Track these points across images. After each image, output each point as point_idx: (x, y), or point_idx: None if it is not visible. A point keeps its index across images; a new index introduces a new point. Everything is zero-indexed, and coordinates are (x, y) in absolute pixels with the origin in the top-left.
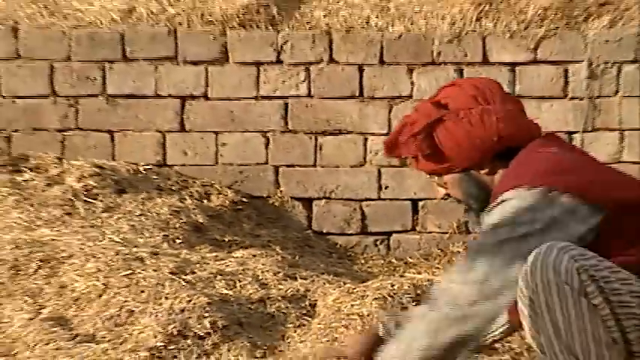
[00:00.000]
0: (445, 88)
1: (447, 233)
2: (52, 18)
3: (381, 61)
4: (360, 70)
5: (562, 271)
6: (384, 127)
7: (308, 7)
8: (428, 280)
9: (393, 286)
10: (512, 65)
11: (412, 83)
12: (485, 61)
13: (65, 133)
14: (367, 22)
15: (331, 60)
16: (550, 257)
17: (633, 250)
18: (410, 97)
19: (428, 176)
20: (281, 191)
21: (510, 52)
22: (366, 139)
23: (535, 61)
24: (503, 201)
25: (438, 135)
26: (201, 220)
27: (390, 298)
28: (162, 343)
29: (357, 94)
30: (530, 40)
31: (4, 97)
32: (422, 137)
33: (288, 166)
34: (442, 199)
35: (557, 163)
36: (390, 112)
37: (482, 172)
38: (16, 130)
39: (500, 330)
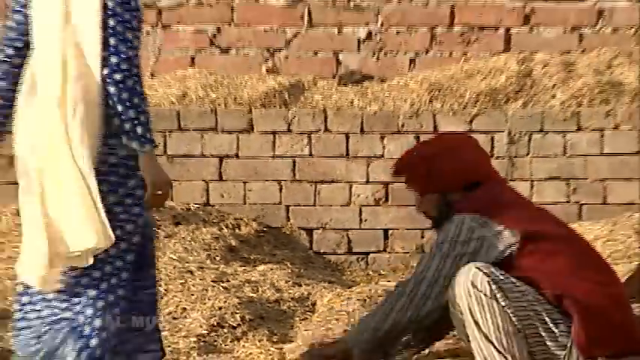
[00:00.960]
0: (429, 142)
1: (408, 253)
2: None
3: (362, 131)
4: (347, 137)
5: (478, 284)
6: (364, 178)
7: (310, 93)
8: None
9: (370, 290)
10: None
11: (384, 147)
12: (435, 131)
13: None
14: (352, 103)
15: (326, 130)
16: (469, 274)
17: (541, 268)
18: (382, 156)
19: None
20: (291, 223)
21: (453, 124)
22: (351, 187)
23: (470, 131)
24: (456, 220)
25: (443, 162)
26: (234, 244)
27: (368, 300)
28: (205, 331)
29: (345, 155)
30: (467, 116)
31: None
32: (423, 163)
33: (295, 205)
34: (424, 212)
35: (497, 201)
36: (368, 167)
37: (456, 194)
38: None
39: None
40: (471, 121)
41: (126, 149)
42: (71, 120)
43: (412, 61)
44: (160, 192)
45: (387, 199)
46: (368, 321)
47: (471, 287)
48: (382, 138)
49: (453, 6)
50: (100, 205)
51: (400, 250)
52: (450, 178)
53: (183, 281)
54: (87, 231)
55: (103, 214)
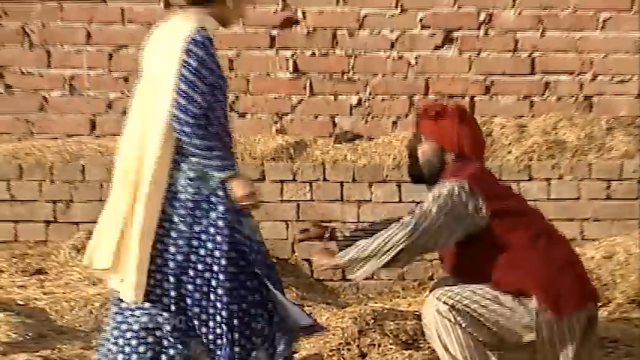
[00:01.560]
0: (459, 106)
1: (391, 280)
2: None
3: (354, 180)
4: (342, 186)
5: (442, 312)
6: (355, 218)
7: (311, 149)
8: (380, 308)
9: (360, 310)
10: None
11: (371, 193)
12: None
13: None
14: (345, 158)
15: (325, 179)
16: (433, 304)
17: (504, 238)
18: (370, 201)
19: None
20: (295, 255)
21: None
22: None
23: None
24: (445, 183)
25: (458, 124)
26: None
27: (358, 318)
28: None
29: (340, 199)
30: None
31: None
32: (455, 115)
33: (300, 241)
34: (410, 150)
35: (479, 174)
36: (359, 209)
37: (450, 155)
38: None
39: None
40: None
41: (207, 185)
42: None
43: (394, 123)
44: (247, 203)
45: None
46: (364, 244)
47: (436, 315)
48: (370, 186)
49: (428, 78)
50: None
51: (385, 277)
52: (462, 141)
53: None
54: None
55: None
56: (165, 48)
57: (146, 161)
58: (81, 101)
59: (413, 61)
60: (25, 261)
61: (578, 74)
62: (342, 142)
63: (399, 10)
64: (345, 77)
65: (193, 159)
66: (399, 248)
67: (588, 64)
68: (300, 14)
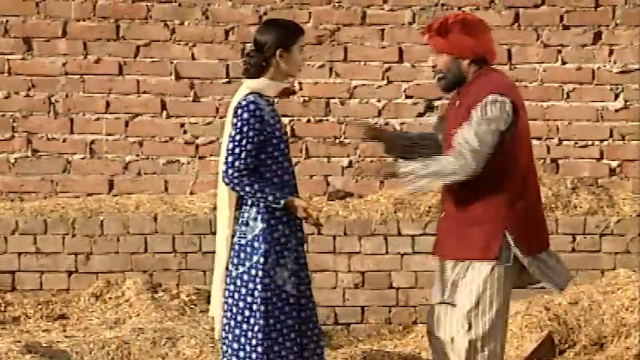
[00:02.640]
0: (464, 14)
1: (379, 323)
2: (174, 211)
3: (345, 234)
4: (334, 239)
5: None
6: (347, 268)
7: None
8: (369, 349)
9: (351, 352)
10: (413, 236)
11: (361, 246)
12: (399, 234)
13: (181, 271)
14: (337, 213)
15: (319, 233)
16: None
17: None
18: (360, 252)
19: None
20: None
21: (412, 229)
22: (337, 274)
23: (424, 234)
24: (492, 100)
25: (462, 31)
26: None
27: (349, 358)
28: None
29: (333, 251)
30: (422, 223)
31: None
32: (458, 26)
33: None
34: (433, 67)
35: (510, 84)
36: (349, 260)
37: (465, 62)
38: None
39: None
40: (425, 226)
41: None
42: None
43: (381, 182)
44: (311, 217)
45: (363, 284)
46: (424, 163)
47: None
48: (360, 239)
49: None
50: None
51: (373, 321)
52: (471, 47)
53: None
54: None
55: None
56: (228, 115)
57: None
58: (100, 163)
59: (398, 127)
60: (49, 307)
61: (546, 139)
62: (334, 199)
63: (385, 81)
64: (337, 141)
65: (245, 206)
66: (454, 177)
67: (555, 130)
68: (296, 85)
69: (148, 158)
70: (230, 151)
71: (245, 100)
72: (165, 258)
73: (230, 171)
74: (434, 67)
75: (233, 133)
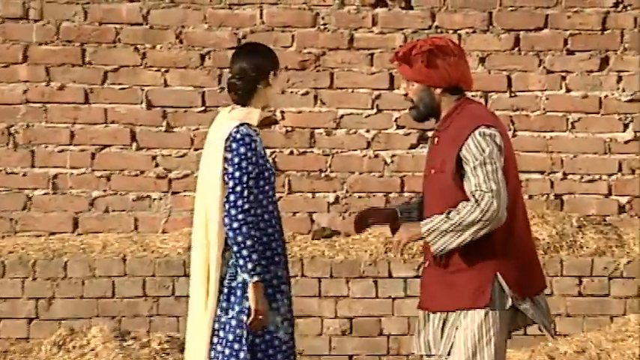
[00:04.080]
0: (435, 39)
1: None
2: (145, 252)
3: (331, 276)
4: (319, 281)
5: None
6: (333, 314)
7: (289, 245)
8: None
9: None
10: (405, 278)
11: (348, 289)
12: (390, 276)
13: (152, 317)
14: (323, 254)
15: (303, 275)
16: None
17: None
18: (347, 296)
19: (402, 82)
20: None
21: (404, 271)
22: (322, 321)
23: (416, 277)
24: (481, 133)
25: (429, 59)
26: None
27: None
28: None
29: (318, 295)
30: (415, 264)
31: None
32: (424, 55)
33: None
34: (404, 95)
35: (492, 114)
36: (336, 305)
37: (437, 91)
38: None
39: None
40: (418, 268)
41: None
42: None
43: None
44: (260, 317)
45: (351, 331)
46: (442, 218)
47: None
48: (347, 282)
49: (404, 177)
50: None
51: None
52: (442, 76)
53: None
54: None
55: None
56: (212, 147)
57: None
58: (64, 200)
59: (389, 160)
60: (7, 358)
61: (549, 173)
62: (319, 238)
63: (375, 110)
64: (323, 175)
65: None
66: (478, 226)
67: (559, 163)
68: (278, 114)
69: (116, 194)
70: (231, 190)
71: (239, 132)
72: (134, 303)
73: (233, 212)
74: (405, 95)
75: (231, 170)
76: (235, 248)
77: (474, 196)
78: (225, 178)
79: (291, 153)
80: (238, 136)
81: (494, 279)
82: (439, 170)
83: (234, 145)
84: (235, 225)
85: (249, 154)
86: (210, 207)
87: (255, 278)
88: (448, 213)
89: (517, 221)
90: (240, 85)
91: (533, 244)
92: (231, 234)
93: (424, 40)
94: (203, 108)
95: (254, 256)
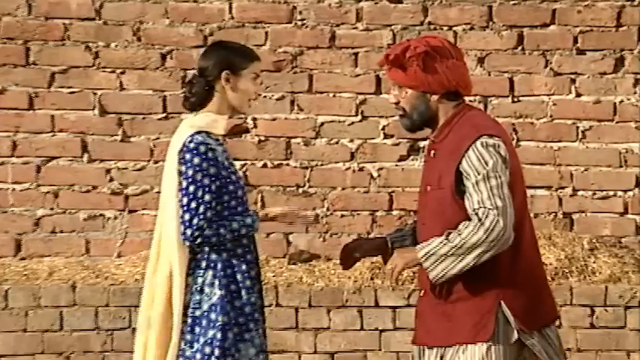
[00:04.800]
0: (429, 38)
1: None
2: (97, 279)
3: (310, 305)
4: (296, 311)
5: None
6: (312, 348)
7: (262, 271)
8: None
9: None
10: (394, 308)
11: (330, 320)
12: (377, 305)
13: (105, 353)
14: (301, 280)
15: (277, 304)
16: None
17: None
18: (329, 328)
19: (392, 88)
20: None
21: (393, 299)
22: (300, 357)
23: (408, 306)
24: (483, 144)
25: (425, 62)
26: None
27: None
28: None
29: (294, 327)
30: (405, 291)
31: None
32: (419, 58)
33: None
34: (395, 103)
35: (495, 122)
36: (315, 338)
37: (434, 97)
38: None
39: None
40: (409, 296)
41: None
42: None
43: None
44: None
45: None
46: (440, 240)
47: None
48: (328, 312)
49: (392, 192)
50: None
51: None
52: (439, 81)
53: None
54: None
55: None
56: (168, 159)
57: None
58: (4, 219)
59: (375, 174)
60: None
61: (557, 189)
62: (297, 262)
63: (359, 117)
64: (301, 191)
65: (198, 269)
66: (483, 249)
67: (568, 177)
68: (250, 122)
69: (64, 212)
70: (186, 207)
71: (192, 140)
72: (85, 337)
73: (189, 231)
74: (396, 103)
75: (185, 184)
76: (221, 243)
77: (476, 214)
78: (179, 194)
79: (265, 166)
80: (192, 145)
81: (498, 308)
82: (436, 186)
83: (187, 156)
84: (199, 240)
85: (204, 165)
86: (166, 227)
87: (256, 225)
88: (448, 235)
89: (524, 242)
90: (192, 86)
91: (543, 268)
92: (201, 247)
93: (417, 41)
94: (164, 114)
95: (234, 226)
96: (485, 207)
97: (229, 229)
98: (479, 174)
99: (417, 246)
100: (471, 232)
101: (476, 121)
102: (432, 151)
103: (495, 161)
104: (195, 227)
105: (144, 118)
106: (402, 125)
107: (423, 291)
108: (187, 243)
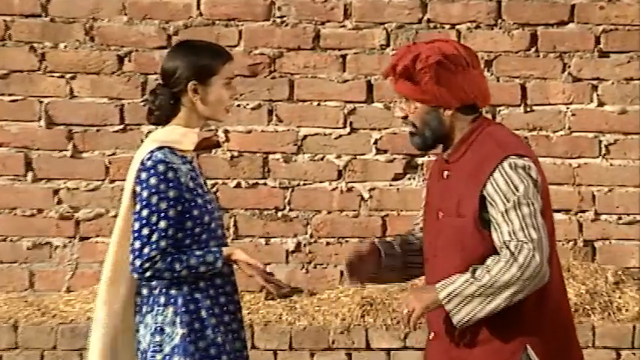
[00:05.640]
0: (442, 42)
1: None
2: (44, 317)
3: (291, 347)
4: (275, 355)
5: None
6: None
7: None
8: None
9: None
10: (388, 350)
11: None
12: (368, 347)
13: None
14: (280, 318)
15: (253, 347)
16: None
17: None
18: None
19: (396, 99)
20: None
21: (387, 340)
22: None
23: (405, 347)
24: (511, 166)
25: (438, 74)
26: None
27: None
28: None
29: None
30: (401, 331)
31: None
32: (432, 69)
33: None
34: (402, 117)
35: (520, 139)
36: None
37: (447, 112)
38: None
39: None
40: (405, 337)
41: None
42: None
43: (343, 273)
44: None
45: None
46: (465, 279)
47: None
48: (312, 355)
49: (386, 217)
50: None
51: None
52: (454, 94)
53: None
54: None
55: None
56: (127, 179)
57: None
58: None
59: (366, 195)
60: None
61: (577, 213)
62: (275, 298)
63: (347, 129)
64: (280, 215)
65: (157, 307)
66: (516, 288)
67: (589, 199)
68: (221, 134)
69: (5, 240)
70: (137, 234)
71: (151, 158)
72: None
73: (138, 262)
74: (404, 118)
75: (138, 207)
76: (175, 280)
77: (507, 248)
78: (132, 219)
79: (238, 185)
80: (149, 163)
81: (524, 353)
82: (454, 214)
83: (143, 176)
84: (149, 273)
85: (161, 187)
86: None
87: (219, 262)
88: (473, 272)
89: (553, 275)
90: (156, 96)
91: (569, 305)
92: (151, 282)
93: (428, 48)
94: (121, 126)
95: (192, 262)
96: (518, 239)
97: (185, 265)
98: (508, 201)
99: (437, 285)
100: (502, 269)
101: (499, 139)
102: (445, 172)
103: (527, 186)
104: (145, 257)
105: (98, 130)
106: (413, 144)
107: (432, 334)
108: (135, 275)
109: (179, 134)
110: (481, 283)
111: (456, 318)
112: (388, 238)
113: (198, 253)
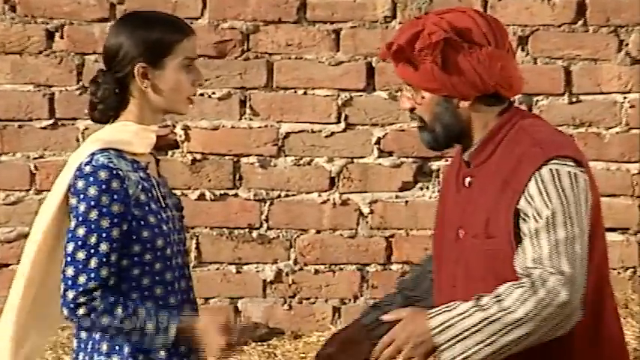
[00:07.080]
0: (457, 12)
1: None
2: None
3: None
4: None
5: None
6: None
7: (200, 353)
8: None
9: None
10: None
11: None
12: None
13: None
14: None
15: None
16: None
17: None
18: None
19: (401, 88)
20: None
21: None
22: None
23: None
24: (553, 171)
25: (445, 55)
26: None
27: None
28: None
29: None
30: None
31: None
32: (435, 50)
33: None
34: (410, 109)
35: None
36: None
37: (463, 103)
38: None
39: None
40: None
41: None
42: None
43: (337, 310)
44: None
45: None
46: (464, 309)
47: None
48: None
49: (390, 237)
50: None
51: None
52: (468, 78)
53: None
54: None
55: None
56: (55, 187)
57: None
58: None
59: (366, 209)
60: None
61: (636, 232)
62: (249, 340)
63: (342, 125)
64: (255, 235)
65: (99, 355)
66: (532, 327)
67: None
68: (179, 131)
69: None
70: (70, 257)
71: (91, 162)
72: None
73: (71, 295)
74: (411, 110)
75: (73, 224)
76: (111, 333)
77: (529, 276)
78: (65, 239)
79: (202, 197)
80: (87, 169)
81: None
82: (482, 234)
83: (79, 185)
84: (82, 311)
85: (103, 199)
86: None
87: (171, 334)
88: (478, 299)
89: (606, 309)
90: (98, 85)
91: (626, 345)
92: (83, 327)
93: (434, 21)
94: (51, 121)
95: (141, 315)
96: (543, 268)
97: (131, 314)
98: (540, 218)
99: (432, 310)
100: (516, 301)
101: (537, 135)
102: (467, 179)
103: (568, 201)
104: (80, 289)
105: (20, 126)
106: (423, 141)
107: None
108: (65, 312)
109: (130, 133)
110: (485, 314)
111: (445, 354)
112: (384, 298)
113: (150, 305)
